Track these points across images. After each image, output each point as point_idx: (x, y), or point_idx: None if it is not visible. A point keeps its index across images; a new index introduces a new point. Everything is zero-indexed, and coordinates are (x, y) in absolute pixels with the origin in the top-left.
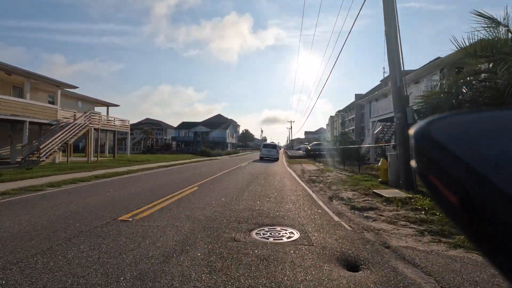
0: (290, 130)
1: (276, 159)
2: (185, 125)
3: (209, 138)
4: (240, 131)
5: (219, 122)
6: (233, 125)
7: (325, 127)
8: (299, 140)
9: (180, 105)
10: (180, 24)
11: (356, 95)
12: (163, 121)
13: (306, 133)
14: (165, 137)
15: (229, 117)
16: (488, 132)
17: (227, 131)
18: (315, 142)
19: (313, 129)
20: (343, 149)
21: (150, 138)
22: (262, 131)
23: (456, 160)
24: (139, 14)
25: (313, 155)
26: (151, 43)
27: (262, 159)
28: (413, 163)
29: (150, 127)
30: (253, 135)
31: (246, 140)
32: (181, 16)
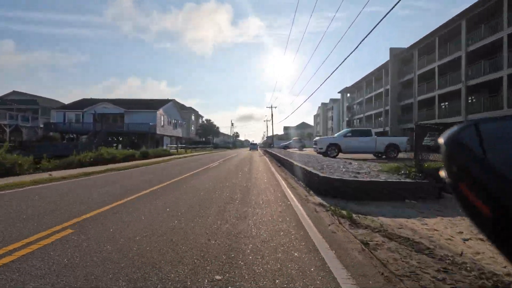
0: (270, 122)
1: (256, 149)
2: (83, 104)
3: (124, 127)
4: (204, 123)
5: (159, 104)
6: (175, 105)
7: (307, 121)
8: (277, 137)
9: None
10: (152, 12)
11: (391, 49)
12: (56, 98)
13: (286, 128)
14: (42, 125)
15: (203, 114)
16: None
17: (158, 114)
18: (348, 129)
19: (292, 125)
20: None
21: None
22: (232, 124)
23: (491, 169)
24: (106, 4)
25: None
26: (120, 32)
27: (249, 149)
28: (442, 173)
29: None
30: (217, 128)
31: (207, 134)
32: (152, 4)
